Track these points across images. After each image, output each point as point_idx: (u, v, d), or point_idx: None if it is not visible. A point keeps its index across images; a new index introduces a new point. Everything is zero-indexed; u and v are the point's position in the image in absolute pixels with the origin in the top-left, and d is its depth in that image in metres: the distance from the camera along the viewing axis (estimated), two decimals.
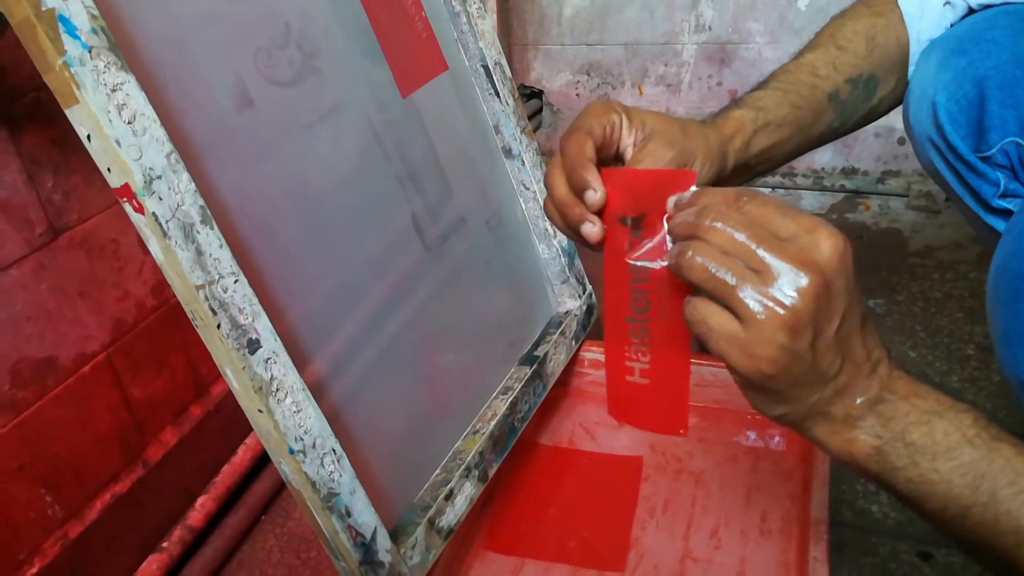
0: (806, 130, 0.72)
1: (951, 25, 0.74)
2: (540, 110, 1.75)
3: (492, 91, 0.86)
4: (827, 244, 0.40)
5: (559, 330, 0.90)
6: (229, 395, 0.94)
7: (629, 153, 0.55)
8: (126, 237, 0.80)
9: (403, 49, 0.76)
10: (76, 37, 0.44)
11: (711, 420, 0.93)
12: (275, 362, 0.53)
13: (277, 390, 0.53)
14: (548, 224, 0.88)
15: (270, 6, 0.63)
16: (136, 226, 0.48)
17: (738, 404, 0.97)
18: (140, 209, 0.47)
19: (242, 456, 0.92)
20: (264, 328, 0.52)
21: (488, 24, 0.85)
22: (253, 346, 0.51)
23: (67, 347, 0.74)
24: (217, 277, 0.49)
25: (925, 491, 0.44)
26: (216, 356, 0.52)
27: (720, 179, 0.62)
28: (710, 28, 1.53)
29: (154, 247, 0.48)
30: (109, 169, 0.46)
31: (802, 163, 1.56)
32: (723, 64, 1.55)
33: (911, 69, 0.75)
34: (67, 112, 0.46)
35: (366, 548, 0.58)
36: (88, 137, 0.46)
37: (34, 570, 0.71)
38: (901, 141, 1.47)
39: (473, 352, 0.81)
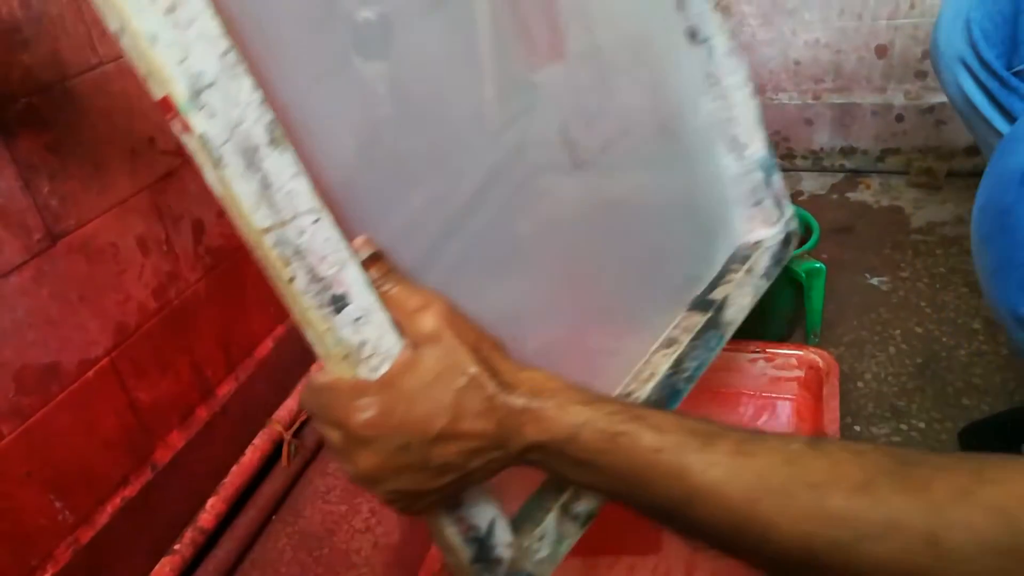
0: None
1: None
2: None
3: None
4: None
5: (745, 266, 0.71)
6: (235, 396, 0.94)
7: None
8: (124, 240, 0.80)
9: None
10: None
11: (721, 404, 0.93)
12: (367, 322, 0.41)
13: (370, 356, 0.42)
14: (740, 129, 0.71)
15: None
16: (187, 151, 0.37)
17: (749, 386, 0.97)
18: (187, 128, 0.36)
19: (251, 456, 0.92)
20: (353, 280, 0.41)
21: None
22: (339, 303, 0.40)
23: (70, 353, 0.74)
24: (290, 216, 0.38)
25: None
26: (294, 314, 0.41)
27: None
28: None
29: (209, 178, 0.37)
30: (147, 76, 0.36)
31: (800, 144, 1.55)
32: None
33: None
34: (93, 2, 0.35)
35: (480, 543, 0.48)
36: (119, 32, 0.35)
37: None
38: (899, 118, 1.46)
39: (630, 295, 0.65)
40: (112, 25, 0.35)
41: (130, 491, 0.80)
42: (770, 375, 0.97)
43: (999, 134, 0.74)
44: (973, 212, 0.63)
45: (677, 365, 0.64)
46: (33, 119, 0.70)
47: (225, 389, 0.94)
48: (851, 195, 1.46)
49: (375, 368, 0.42)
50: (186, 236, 0.87)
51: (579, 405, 0.42)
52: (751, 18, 1.50)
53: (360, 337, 0.41)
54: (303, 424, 1.00)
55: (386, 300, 0.42)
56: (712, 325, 0.67)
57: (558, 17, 0.59)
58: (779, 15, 1.47)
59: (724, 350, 0.91)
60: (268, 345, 1.01)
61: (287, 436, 0.96)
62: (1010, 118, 0.73)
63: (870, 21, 1.41)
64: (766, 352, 0.96)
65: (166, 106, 0.35)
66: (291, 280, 0.39)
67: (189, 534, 0.83)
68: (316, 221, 0.39)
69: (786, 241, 0.76)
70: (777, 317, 1.06)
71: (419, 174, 0.49)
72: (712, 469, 0.38)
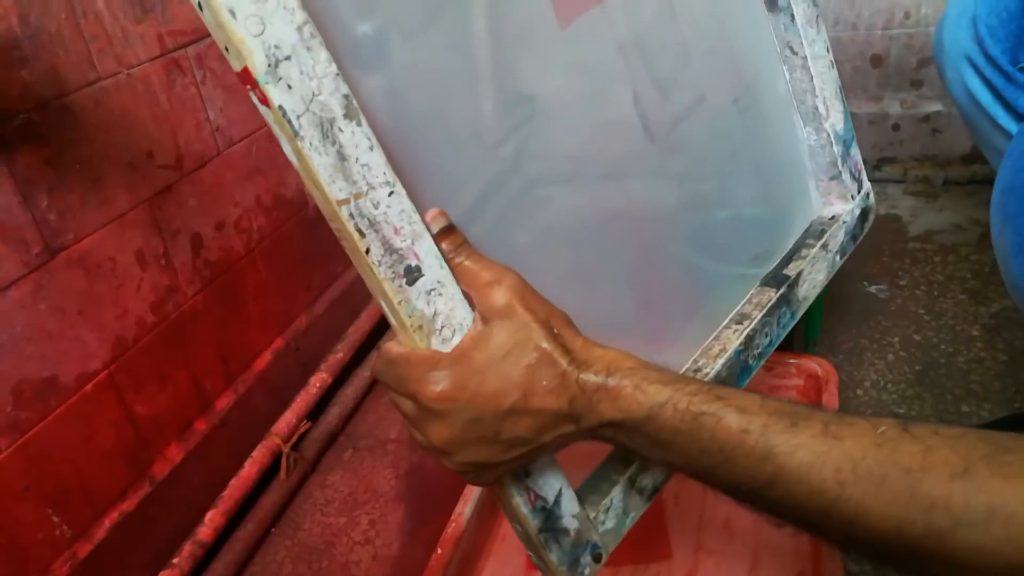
0: None
1: None
2: None
3: None
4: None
5: (820, 241, 0.70)
6: (234, 409, 0.94)
7: None
8: (123, 255, 0.80)
9: None
10: None
11: None
12: (440, 294, 0.43)
13: (442, 328, 0.43)
14: (819, 100, 0.70)
15: None
16: (267, 122, 0.39)
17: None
18: (264, 100, 0.37)
19: (249, 469, 0.92)
20: (427, 252, 0.42)
21: None
22: (412, 275, 0.41)
23: (68, 366, 0.74)
24: (366, 189, 0.39)
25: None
26: (369, 285, 0.43)
27: None
28: None
29: (286, 149, 0.39)
30: (227, 48, 0.37)
31: None
32: None
33: None
34: None
35: (547, 513, 0.49)
36: (200, 5, 0.36)
37: None
38: (895, 127, 1.46)
39: (703, 267, 0.65)
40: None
41: (128, 505, 0.80)
42: (769, 383, 0.97)
43: (1004, 132, 0.75)
44: (994, 194, 0.64)
45: (748, 342, 0.63)
46: (32, 134, 0.70)
47: (224, 402, 0.94)
48: None
49: (447, 340, 0.43)
50: (184, 250, 0.88)
51: (658, 384, 0.42)
52: None
53: (433, 308, 0.42)
54: (302, 437, 1.00)
55: (458, 272, 0.43)
56: (784, 301, 0.66)
57: None
58: None
59: None
60: (267, 358, 1.01)
61: (286, 449, 0.96)
62: (1016, 115, 0.74)
63: (865, 31, 1.42)
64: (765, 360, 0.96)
65: (246, 77, 0.36)
66: (367, 251, 0.40)
67: (188, 548, 0.83)
68: (391, 194, 0.40)
69: (863, 216, 0.75)
70: None
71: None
72: (799, 451, 0.38)
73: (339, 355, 1.08)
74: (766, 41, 0.69)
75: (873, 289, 1.21)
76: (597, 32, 0.55)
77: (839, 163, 0.72)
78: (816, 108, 0.70)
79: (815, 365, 0.94)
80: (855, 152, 0.73)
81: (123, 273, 0.80)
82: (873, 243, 1.32)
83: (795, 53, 0.69)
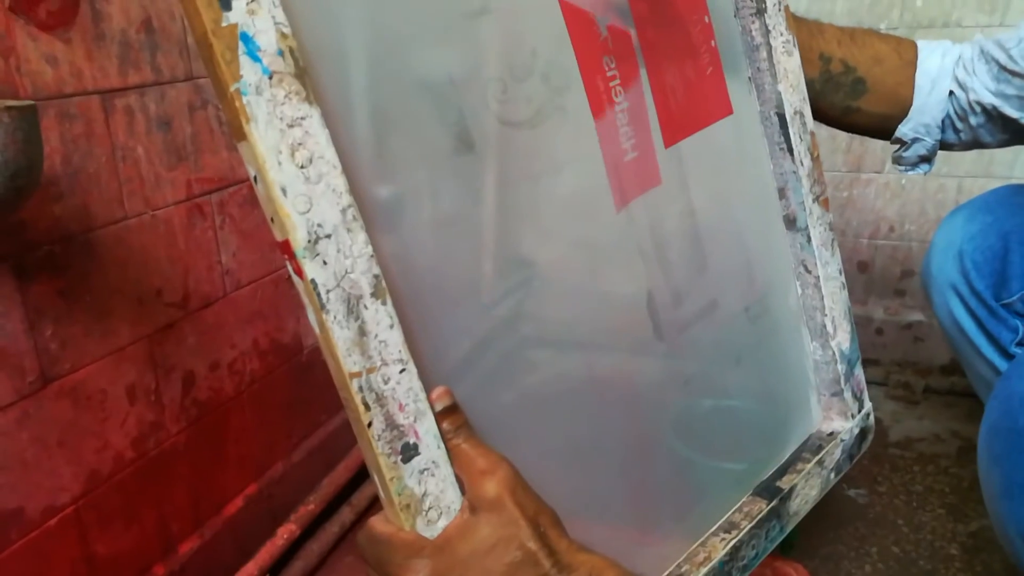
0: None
1: (940, 122, 0.80)
2: None
3: (784, 146, 0.69)
4: None
5: (816, 457, 0.71)
6: (197, 554, 0.91)
7: None
8: (114, 388, 0.80)
9: (678, 86, 0.62)
10: (257, 60, 0.37)
11: None
12: (432, 474, 0.43)
13: (429, 509, 0.43)
14: (828, 319, 0.72)
15: (514, 27, 0.50)
16: (296, 287, 0.40)
17: None
18: (299, 272, 0.39)
19: None
20: (427, 431, 0.43)
21: (795, 63, 0.69)
22: (409, 453, 0.42)
23: (37, 498, 0.73)
24: (379, 364, 0.41)
25: None
26: (366, 457, 0.43)
27: None
28: None
29: (310, 318, 0.40)
30: (272, 220, 0.39)
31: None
32: None
33: (900, 130, 0.80)
34: (238, 146, 0.39)
35: None
36: (255, 179, 0.39)
37: None
38: (879, 331, 1.51)
39: (697, 464, 0.65)
40: (250, 171, 0.39)
41: None
42: None
43: (986, 360, 0.77)
44: (981, 433, 0.65)
45: (734, 552, 0.62)
46: (50, 265, 0.73)
47: (188, 547, 0.91)
48: None
49: (432, 522, 0.43)
50: (175, 387, 0.88)
51: None
52: None
53: (423, 488, 0.43)
54: None
55: (454, 454, 0.43)
56: (775, 515, 0.66)
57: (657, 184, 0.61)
58: None
59: None
60: (238, 503, 0.99)
61: None
62: (997, 346, 0.77)
63: (853, 238, 1.50)
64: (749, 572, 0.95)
65: (286, 248, 0.39)
66: (369, 424, 0.41)
67: None
68: (403, 371, 0.42)
69: (862, 435, 0.76)
70: None
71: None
72: None
73: (310, 507, 1.06)
74: (782, 257, 0.72)
75: (852, 493, 1.21)
76: (621, 236, 0.58)
77: (842, 381, 0.73)
78: (824, 326, 0.72)
79: (791, 570, 0.93)
80: (859, 372, 0.75)
81: (111, 406, 0.80)
82: None
83: (808, 272, 0.72)
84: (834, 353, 0.73)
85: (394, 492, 0.42)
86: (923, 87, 0.81)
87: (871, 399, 1.51)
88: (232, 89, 0.36)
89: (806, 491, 0.70)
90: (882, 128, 0.84)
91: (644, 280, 0.60)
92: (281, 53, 0.38)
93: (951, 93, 0.80)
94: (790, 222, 0.71)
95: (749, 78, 0.69)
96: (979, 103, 0.78)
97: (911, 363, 1.51)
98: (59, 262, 0.73)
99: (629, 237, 0.58)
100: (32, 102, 0.59)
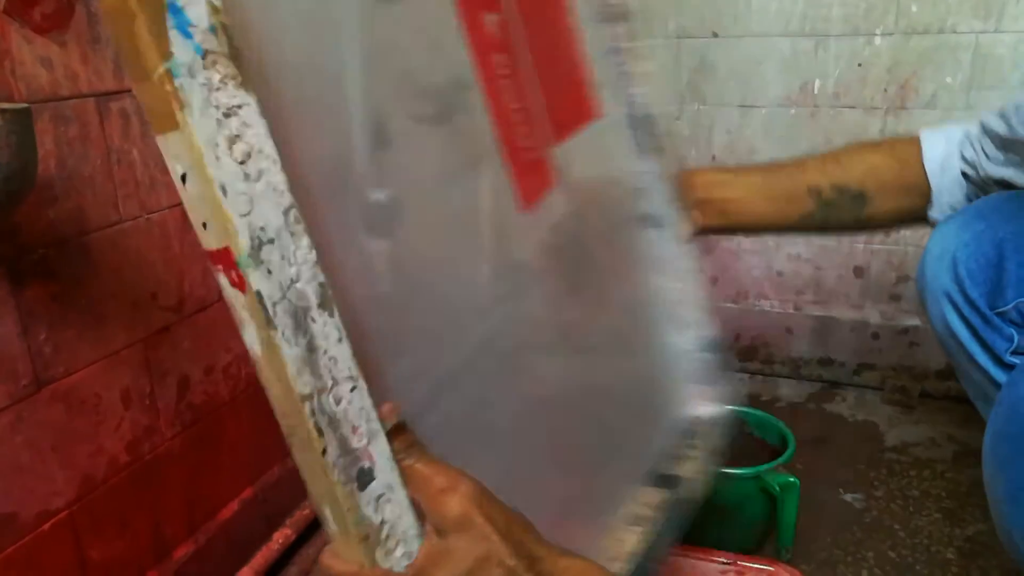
0: (777, 204, 0.84)
1: (965, 197, 0.82)
2: None
3: (643, 147, 0.73)
4: None
5: (695, 442, 0.75)
6: (192, 560, 0.91)
7: None
8: (109, 392, 0.80)
9: (556, 85, 0.63)
10: (189, 36, 0.32)
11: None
12: (389, 500, 0.39)
13: (387, 539, 0.39)
14: (688, 310, 0.77)
15: (419, 21, 0.49)
16: (229, 304, 0.36)
17: None
18: (240, 284, 0.34)
19: None
20: (381, 453, 0.39)
21: (650, 68, 0.73)
22: (364, 479, 0.38)
23: (31, 504, 0.72)
24: (330, 384, 0.37)
25: None
26: (313, 489, 0.38)
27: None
28: None
29: (250, 337, 0.36)
30: (205, 225, 0.34)
31: (780, 352, 1.59)
32: (704, 251, 1.63)
33: (931, 215, 0.83)
34: (159, 139, 0.34)
35: None
36: (183, 177, 0.34)
37: None
38: (875, 336, 1.51)
39: (594, 469, 0.67)
40: (178, 168, 0.34)
41: None
42: None
43: (981, 368, 0.77)
44: (985, 438, 0.65)
45: (645, 542, 0.63)
46: (44, 269, 0.72)
47: (182, 552, 0.90)
48: (827, 406, 1.49)
49: (390, 552, 0.39)
50: (170, 391, 0.88)
51: None
52: None
53: (380, 516, 0.39)
54: None
55: (408, 476, 0.40)
56: (672, 501, 0.69)
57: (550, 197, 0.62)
58: None
59: (693, 558, 0.90)
60: (233, 507, 0.98)
61: None
62: (992, 355, 0.76)
63: (848, 243, 1.50)
64: (737, 564, 0.94)
65: (223, 258, 0.34)
66: (323, 452, 0.36)
67: None
68: (354, 389, 0.38)
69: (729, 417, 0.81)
70: (748, 527, 1.05)
71: (438, 339, 0.49)
72: None
73: (306, 511, 1.05)
74: (648, 253, 0.76)
75: (848, 497, 1.21)
76: (525, 238, 0.59)
77: (708, 368, 0.78)
78: (687, 318, 0.77)
79: (787, 575, 0.92)
80: (720, 358, 0.79)
81: (106, 410, 0.80)
82: (850, 449, 1.33)
83: (669, 266, 0.77)
84: (698, 343, 0.77)
85: (351, 523, 0.38)
86: (934, 172, 0.83)
87: (867, 403, 1.51)
88: (162, 69, 0.31)
89: (694, 475, 0.72)
90: (912, 218, 0.87)
91: (542, 280, 0.60)
92: (213, 30, 0.33)
93: (964, 174, 0.81)
94: (651, 220, 0.75)
95: (612, 84, 0.71)
96: (991, 177, 0.79)
97: (907, 368, 1.51)
98: (53, 266, 0.73)
99: (530, 236, 0.58)
100: (27, 105, 0.59)
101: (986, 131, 0.81)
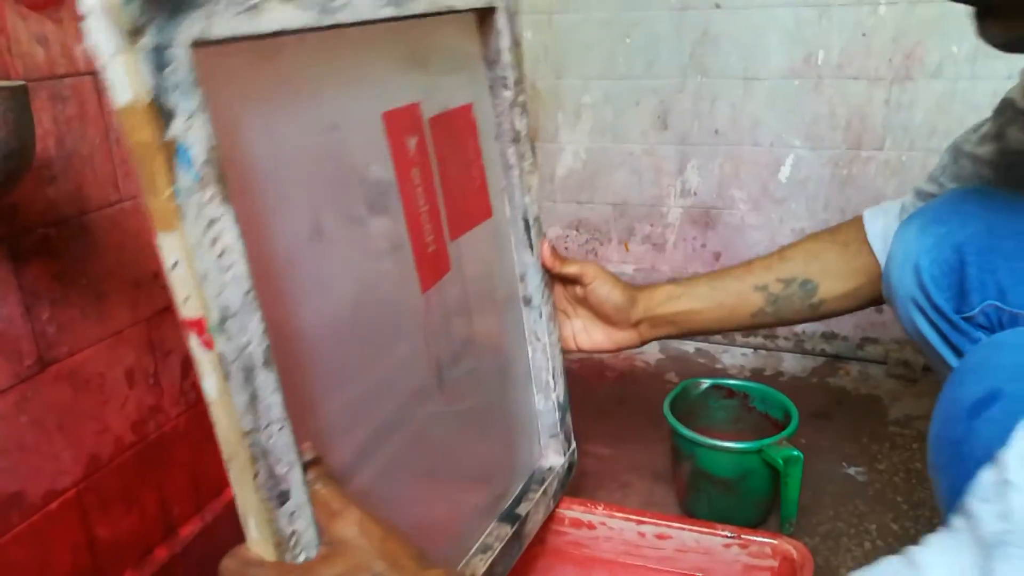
0: (726, 309, 0.90)
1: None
2: None
3: (527, 243, 0.86)
4: None
5: (541, 487, 0.88)
6: (198, 537, 0.91)
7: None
8: (113, 371, 0.80)
9: (458, 193, 0.75)
10: (190, 167, 0.42)
11: None
12: (299, 516, 0.50)
13: (295, 546, 0.50)
14: (550, 376, 0.90)
15: (354, 142, 0.61)
16: (194, 358, 0.45)
17: (721, 572, 0.95)
18: (209, 345, 0.44)
19: None
20: (296, 480, 0.50)
21: (535, 180, 0.86)
22: (282, 498, 0.49)
23: (38, 482, 0.73)
24: (265, 424, 0.47)
25: None
26: (241, 502, 0.49)
27: (632, 317, 0.89)
28: (695, 193, 1.60)
29: (209, 385, 0.46)
30: (187, 299, 0.44)
31: (784, 327, 1.59)
32: (707, 227, 1.62)
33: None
34: (158, 235, 0.43)
35: None
36: (174, 264, 0.43)
37: None
38: (879, 310, 1.51)
39: (457, 499, 0.78)
40: (171, 258, 0.43)
41: None
42: (744, 562, 0.95)
43: (952, 369, 0.76)
44: (928, 439, 0.65)
45: (491, 570, 0.76)
46: (46, 249, 0.72)
47: (189, 529, 0.91)
48: (831, 380, 1.49)
49: (295, 556, 0.50)
50: (174, 370, 0.88)
51: None
52: (741, 203, 1.58)
53: (291, 528, 0.49)
54: None
55: (314, 499, 0.51)
56: (516, 536, 0.81)
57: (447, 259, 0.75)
58: (768, 202, 1.56)
59: (698, 531, 0.90)
60: None
61: None
62: (962, 357, 0.75)
63: (852, 216, 1.49)
64: (740, 538, 0.95)
65: (197, 325, 0.44)
66: (255, 476, 0.47)
67: None
68: (281, 428, 0.48)
69: (569, 469, 0.95)
70: (752, 500, 1.06)
71: (349, 392, 0.60)
72: None
73: None
74: (520, 328, 0.90)
75: (852, 471, 1.21)
76: (424, 314, 0.70)
77: (559, 425, 0.92)
78: (547, 382, 0.91)
79: (791, 548, 0.93)
80: (568, 418, 0.94)
81: (110, 390, 0.80)
82: (853, 423, 1.34)
83: (538, 339, 0.90)
84: (554, 403, 0.91)
85: (270, 532, 0.48)
86: (879, 249, 0.85)
87: (871, 377, 1.51)
88: (169, 191, 0.41)
89: (535, 516, 0.86)
90: (869, 297, 0.89)
91: (435, 346, 0.72)
92: (208, 161, 0.43)
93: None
94: (527, 301, 0.88)
95: (503, 189, 0.84)
96: None
97: (909, 342, 1.51)
98: (54, 245, 0.73)
99: (429, 313, 0.71)
100: (23, 82, 0.59)
101: (920, 196, 0.82)
